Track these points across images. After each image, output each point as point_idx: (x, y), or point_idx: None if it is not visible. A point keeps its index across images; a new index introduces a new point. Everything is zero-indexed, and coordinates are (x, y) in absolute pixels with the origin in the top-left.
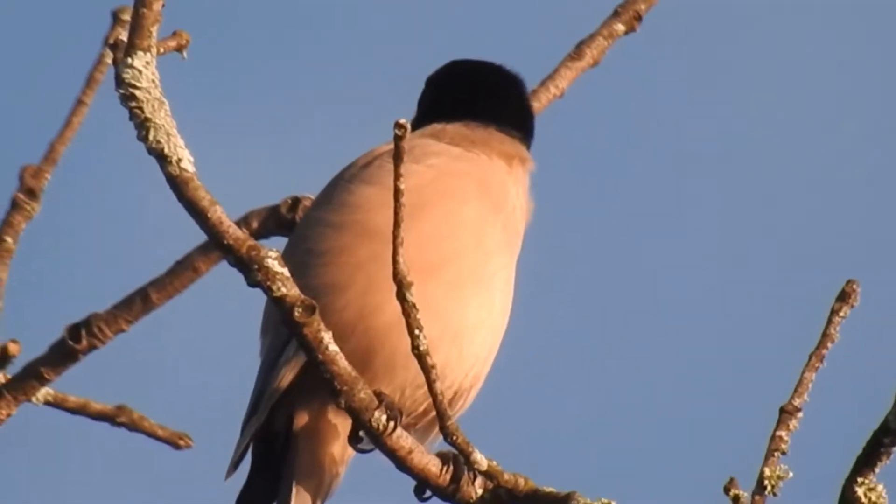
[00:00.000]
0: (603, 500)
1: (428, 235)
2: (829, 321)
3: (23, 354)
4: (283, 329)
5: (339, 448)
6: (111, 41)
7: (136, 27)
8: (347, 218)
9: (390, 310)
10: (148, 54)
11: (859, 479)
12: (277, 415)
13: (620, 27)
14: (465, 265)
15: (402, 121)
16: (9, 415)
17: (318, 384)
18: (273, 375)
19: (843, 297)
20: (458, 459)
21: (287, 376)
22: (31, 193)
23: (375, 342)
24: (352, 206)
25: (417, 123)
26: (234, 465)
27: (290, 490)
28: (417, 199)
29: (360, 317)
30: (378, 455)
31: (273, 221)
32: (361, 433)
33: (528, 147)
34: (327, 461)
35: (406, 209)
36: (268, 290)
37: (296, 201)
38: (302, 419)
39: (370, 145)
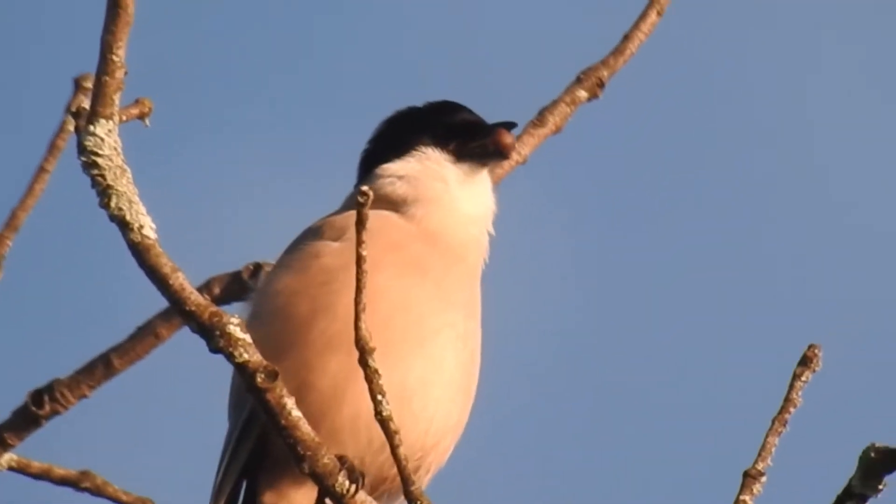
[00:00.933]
0: None
1: (347, 312)
2: (792, 386)
3: None
4: (237, 411)
5: None
6: (73, 109)
7: (99, 95)
8: (270, 305)
9: (320, 385)
10: (110, 122)
11: None
12: (243, 491)
13: (583, 94)
14: (395, 332)
15: (365, 188)
16: None
17: (281, 459)
18: (227, 460)
19: (805, 361)
20: None
21: (240, 459)
22: None
23: (317, 413)
24: (273, 294)
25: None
26: None
27: None
28: (332, 276)
29: (297, 394)
30: None
31: (235, 287)
32: (327, 500)
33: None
34: None
35: (324, 288)
36: (230, 357)
37: (257, 267)
38: (266, 495)
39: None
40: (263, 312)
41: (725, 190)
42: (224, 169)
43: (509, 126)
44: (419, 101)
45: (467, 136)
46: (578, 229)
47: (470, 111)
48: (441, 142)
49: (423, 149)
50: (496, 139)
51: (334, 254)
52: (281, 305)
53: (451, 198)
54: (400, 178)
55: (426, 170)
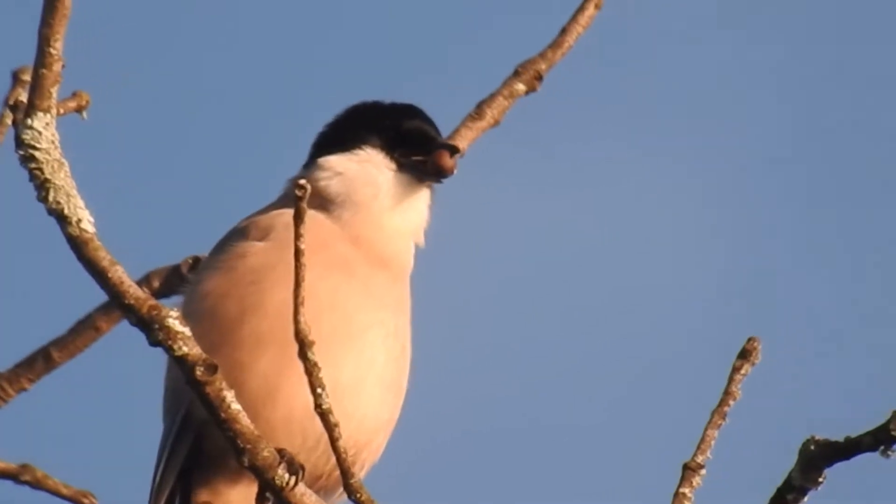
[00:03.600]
0: None
1: (276, 310)
2: (731, 379)
3: None
4: (173, 410)
5: None
6: (11, 102)
7: (37, 88)
8: (198, 306)
9: (253, 384)
10: (48, 115)
11: None
12: (177, 491)
13: (521, 87)
14: (324, 330)
15: (303, 182)
16: None
17: (216, 457)
18: (165, 459)
19: (745, 354)
20: None
21: (179, 458)
22: None
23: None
24: (202, 295)
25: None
26: None
27: None
28: (261, 275)
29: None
30: None
31: (174, 280)
32: (267, 494)
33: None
34: None
35: (252, 288)
36: (169, 350)
37: (196, 260)
38: (201, 494)
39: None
40: (193, 313)
41: None
42: (166, 161)
43: (453, 150)
44: (384, 96)
45: (413, 148)
46: None
47: (428, 121)
48: (388, 146)
49: (369, 150)
50: (436, 160)
51: (260, 254)
52: (210, 307)
53: (379, 207)
54: (337, 174)
55: (363, 172)
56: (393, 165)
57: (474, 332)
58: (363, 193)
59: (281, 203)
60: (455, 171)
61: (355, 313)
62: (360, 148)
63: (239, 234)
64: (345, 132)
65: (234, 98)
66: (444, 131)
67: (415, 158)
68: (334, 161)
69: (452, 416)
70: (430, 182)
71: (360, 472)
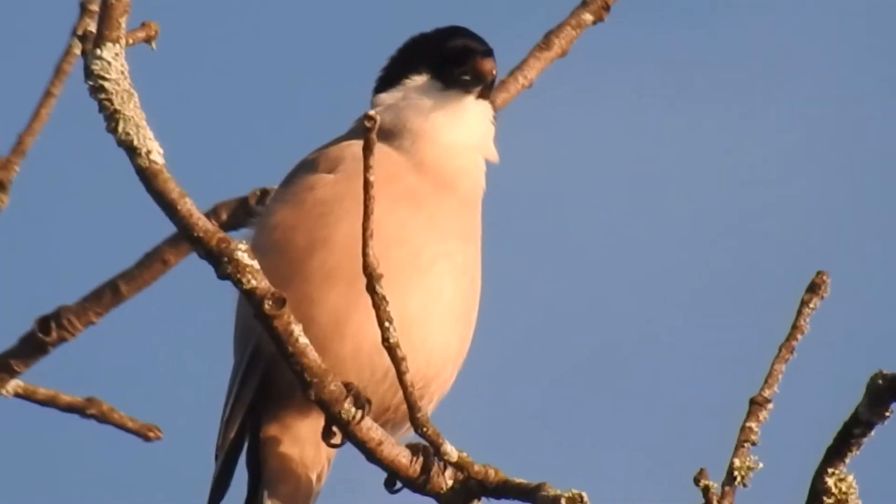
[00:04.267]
0: (573, 490)
1: (344, 243)
2: (799, 312)
3: None
4: (243, 345)
5: (312, 449)
6: (80, 32)
7: (105, 18)
8: (267, 239)
9: (321, 318)
10: (117, 45)
11: (829, 470)
12: (247, 425)
13: (589, 17)
14: (392, 264)
15: (372, 113)
16: None
17: (285, 391)
18: (235, 393)
19: (813, 288)
20: (428, 451)
21: (248, 392)
22: (0, 186)
23: (320, 346)
24: (271, 228)
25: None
26: (213, 498)
27: (262, 497)
28: (328, 208)
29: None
30: (351, 449)
31: (242, 213)
32: (334, 428)
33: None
34: (301, 465)
35: (321, 220)
36: (237, 283)
37: (264, 192)
38: (270, 427)
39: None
40: (262, 246)
41: None
42: (235, 92)
43: (486, 53)
44: (432, 25)
45: (457, 64)
46: None
47: (472, 36)
48: (435, 69)
49: (415, 77)
50: (474, 65)
51: (329, 186)
52: (278, 239)
53: (432, 126)
54: (388, 107)
55: (408, 100)
56: (439, 85)
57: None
58: (413, 120)
59: (349, 136)
60: (494, 73)
61: (423, 246)
62: (406, 78)
63: (308, 166)
64: (396, 68)
65: (305, 28)
66: (514, 61)
67: (457, 72)
68: (384, 96)
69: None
70: (474, 88)
71: (429, 406)
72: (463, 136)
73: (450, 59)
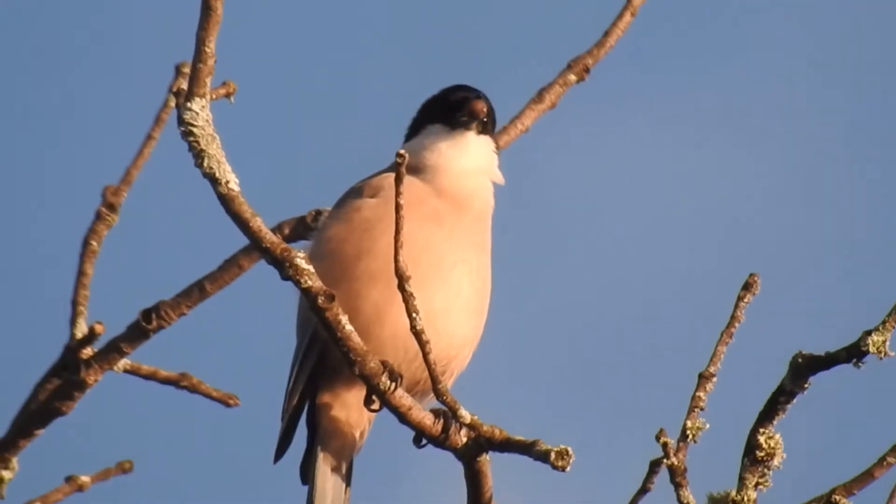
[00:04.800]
0: (561, 446)
1: (385, 252)
2: (736, 306)
3: (106, 333)
4: (303, 329)
5: (357, 413)
6: (174, 89)
7: (194, 78)
8: (323, 249)
9: (366, 310)
10: (203, 99)
11: (761, 430)
12: (306, 394)
13: (573, 77)
14: (421, 268)
15: (402, 151)
16: (95, 380)
17: (336, 367)
18: (297, 368)
19: (747, 286)
20: (447, 414)
21: (307, 367)
22: (112, 207)
23: (364, 332)
24: (325, 240)
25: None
26: (279, 450)
27: (317, 450)
28: (373, 224)
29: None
30: (386, 413)
31: (301, 228)
32: (373, 397)
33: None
34: (347, 425)
35: (366, 234)
36: (297, 283)
37: (318, 212)
38: (325, 396)
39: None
40: (319, 254)
41: None
42: (295, 134)
43: (478, 98)
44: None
45: (457, 110)
46: None
47: (468, 89)
48: (442, 117)
49: (429, 126)
50: (469, 108)
51: (372, 208)
52: (332, 249)
53: (446, 159)
54: (411, 152)
55: (424, 143)
56: (447, 128)
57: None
58: (430, 158)
59: (387, 171)
60: (485, 110)
61: (445, 255)
62: (424, 128)
63: (355, 192)
64: (416, 122)
65: (347, 84)
66: (511, 112)
67: (460, 116)
68: (409, 143)
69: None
70: (472, 123)
71: (450, 379)
72: (470, 164)
73: (452, 108)
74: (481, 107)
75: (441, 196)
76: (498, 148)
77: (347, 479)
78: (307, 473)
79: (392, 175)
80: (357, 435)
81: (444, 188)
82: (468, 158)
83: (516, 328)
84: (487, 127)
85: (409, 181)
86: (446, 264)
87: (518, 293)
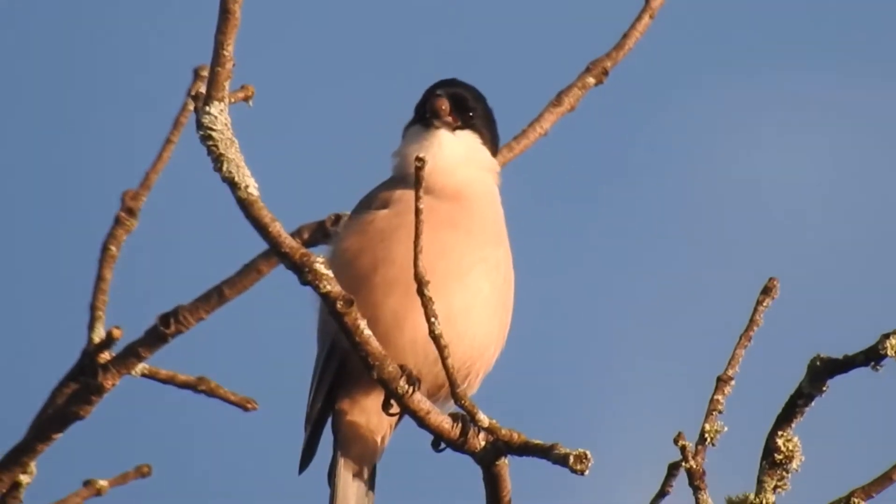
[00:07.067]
0: (579, 449)
1: (402, 260)
2: (755, 310)
3: (124, 338)
4: (324, 337)
5: (376, 418)
6: (193, 93)
7: (213, 82)
8: (340, 261)
9: (385, 317)
10: (222, 103)
11: (779, 433)
12: (325, 401)
13: (591, 80)
14: (438, 273)
15: (421, 155)
16: (113, 384)
17: (354, 373)
18: (319, 375)
19: (766, 290)
20: (465, 418)
21: (329, 374)
22: (131, 212)
23: (384, 339)
24: (340, 252)
25: None
26: (304, 461)
27: (338, 456)
28: (387, 234)
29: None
30: (408, 419)
31: (320, 233)
32: (392, 401)
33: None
34: (367, 430)
35: (382, 244)
36: (316, 288)
37: (337, 217)
38: (344, 402)
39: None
40: (335, 266)
41: None
42: (313, 137)
43: (439, 95)
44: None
45: (424, 108)
46: None
47: (442, 85)
48: (419, 117)
49: (411, 128)
50: (430, 106)
51: (385, 219)
52: (349, 260)
53: (431, 158)
54: (396, 156)
55: (406, 145)
56: (422, 128)
57: None
58: (410, 159)
59: (392, 181)
60: (444, 107)
61: (462, 257)
62: (407, 130)
63: (366, 204)
64: (406, 126)
65: (363, 91)
66: (530, 115)
67: (426, 114)
68: (397, 150)
69: None
70: (439, 123)
71: (476, 380)
72: (445, 158)
73: (423, 106)
74: (440, 104)
75: (435, 194)
76: (491, 140)
77: (370, 484)
78: (331, 479)
79: (400, 188)
80: (378, 440)
81: (435, 186)
82: (442, 153)
83: (533, 332)
84: (472, 122)
85: (406, 189)
86: (465, 266)
87: (540, 295)
